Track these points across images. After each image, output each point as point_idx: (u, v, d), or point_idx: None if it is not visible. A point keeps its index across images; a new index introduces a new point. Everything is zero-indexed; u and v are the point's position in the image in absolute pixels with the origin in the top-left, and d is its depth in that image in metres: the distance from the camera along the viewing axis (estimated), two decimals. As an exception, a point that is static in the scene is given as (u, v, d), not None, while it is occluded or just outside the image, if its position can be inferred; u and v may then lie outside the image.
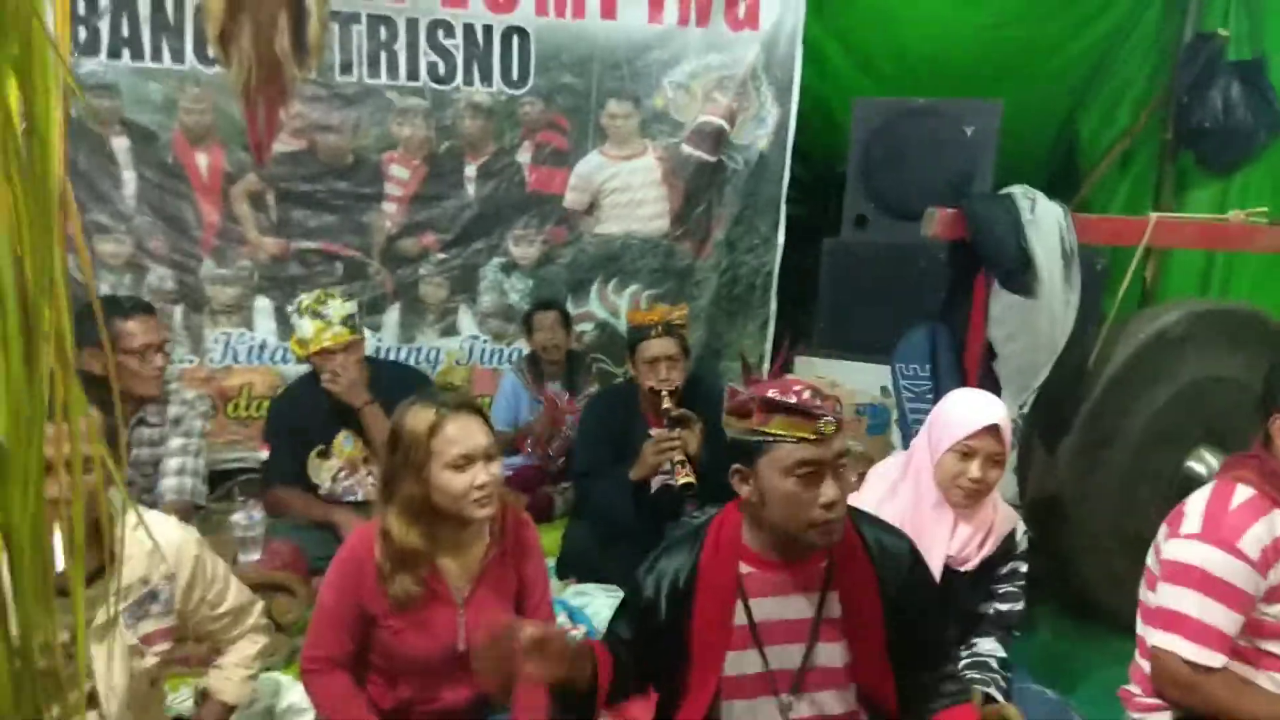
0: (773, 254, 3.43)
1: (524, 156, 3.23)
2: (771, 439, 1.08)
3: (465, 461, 1.34)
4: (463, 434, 1.35)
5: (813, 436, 1.06)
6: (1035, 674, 1.80)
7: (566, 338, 3.03)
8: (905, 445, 2.08)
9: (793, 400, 1.07)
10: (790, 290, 3.45)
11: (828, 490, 1.08)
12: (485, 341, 3.30)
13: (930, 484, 1.52)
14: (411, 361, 3.18)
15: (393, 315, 3.22)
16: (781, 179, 3.37)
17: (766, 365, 3.36)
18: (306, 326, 2.22)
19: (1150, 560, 1.47)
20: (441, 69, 2.98)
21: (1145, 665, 1.41)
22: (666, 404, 2.21)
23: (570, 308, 3.26)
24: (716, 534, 1.17)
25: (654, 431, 2.24)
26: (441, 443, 1.35)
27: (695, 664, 1.12)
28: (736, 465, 1.13)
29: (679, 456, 2.09)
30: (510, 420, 2.97)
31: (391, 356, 3.17)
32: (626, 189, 3.33)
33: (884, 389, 2.97)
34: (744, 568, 1.14)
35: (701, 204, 3.39)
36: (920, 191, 2.73)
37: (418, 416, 1.36)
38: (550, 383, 3.02)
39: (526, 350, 3.14)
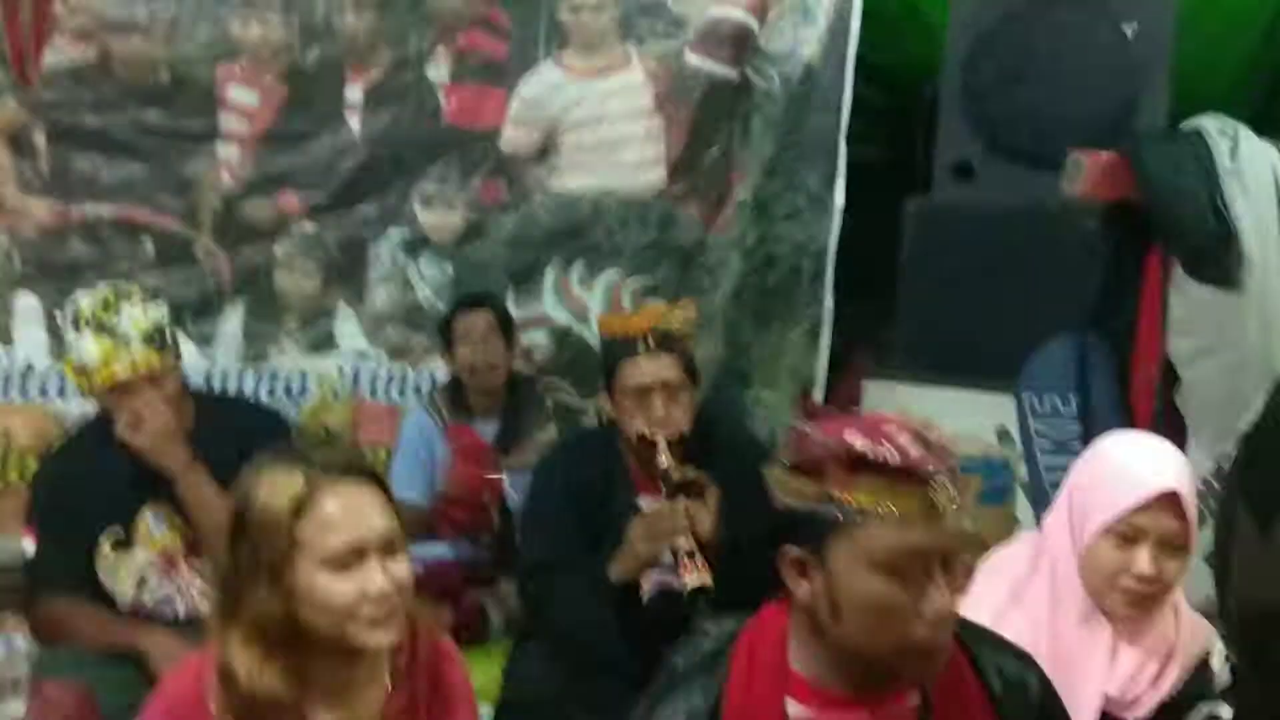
0: (826, 222, 3.47)
1: (438, 71, 3.23)
2: (856, 513, 1.12)
3: (352, 557, 1.36)
4: (346, 514, 1.37)
5: (920, 513, 1.11)
6: None
7: (506, 354, 3.05)
8: (1036, 522, 2.10)
9: (893, 454, 1.11)
10: (854, 278, 3.48)
11: (936, 596, 1.11)
12: (379, 361, 3.31)
13: (1075, 584, 1.53)
14: (262, 395, 3.20)
15: (232, 321, 3.21)
16: (839, 107, 3.38)
17: (820, 394, 3.42)
18: (89, 347, 2.15)
19: None
20: (308, -68, 3.08)
21: None
22: (665, 460, 2.23)
23: (512, 307, 3.27)
24: (748, 659, 1.21)
25: (645, 503, 2.27)
26: (313, 528, 1.36)
27: None
28: (794, 549, 1.17)
29: (686, 544, 2.11)
30: (422, 486, 2.98)
31: (230, 387, 3.18)
32: (599, 121, 3.34)
33: (1002, 433, 2.95)
34: (793, 707, 1.17)
35: (716, 144, 3.41)
36: (1055, 126, 2.76)
37: (274, 487, 1.37)
38: (482, 424, 3.03)
39: (444, 374, 3.17)
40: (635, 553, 2.18)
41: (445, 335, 3.07)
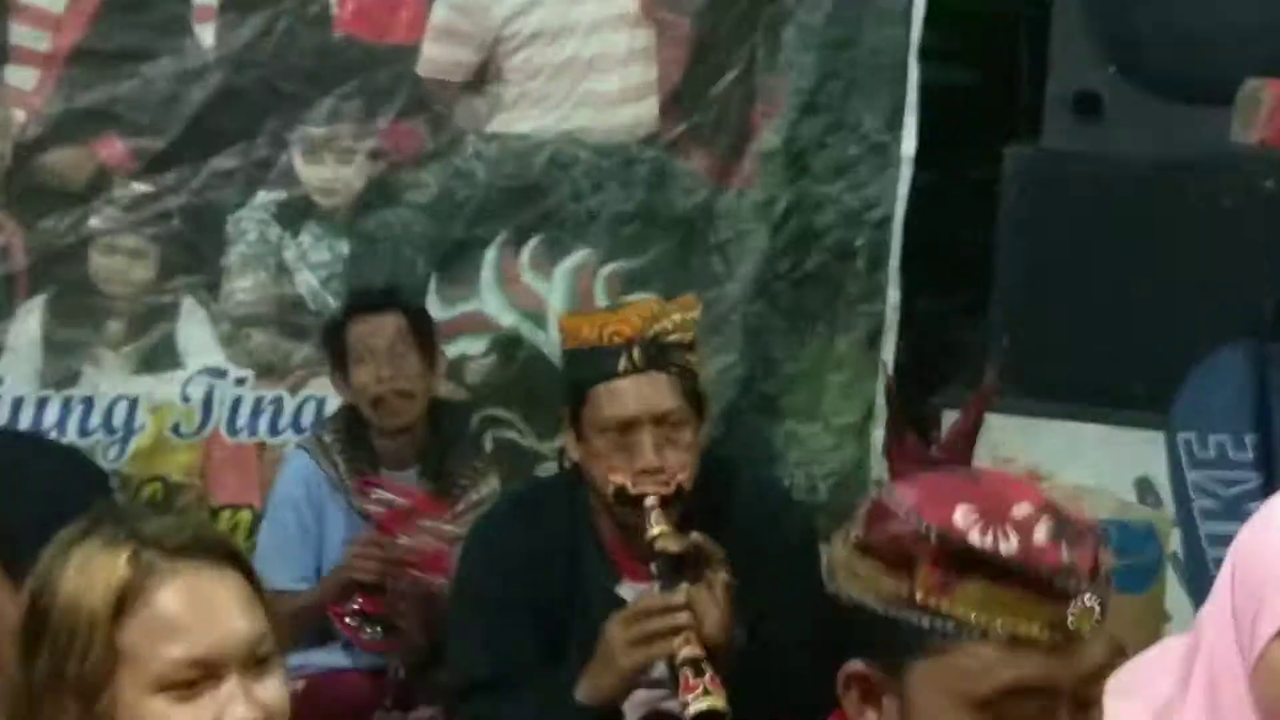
0: (891, 180, 3.52)
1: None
2: (955, 628, 1.15)
3: (199, 676, 1.36)
4: (191, 612, 1.38)
5: (1047, 638, 1.13)
6: None
7: (425, 375, 3.08)
8: (1195, 608, 2.04)
9: (1025, 555, 1.13)
10: (930, 260, 3.49)
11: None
12: (241, 382, 3.33)
13: (1245, 711, 1.51)
14: (70, 434, 3.17)
15: (27, 325, 3.22)
16: (908, 14, 3.45)
17: (878, 435, 3.42)
18: None
19: None
20: None
21: None
22: (657, 527, 2.26)
23: (434, 305, 3.30)
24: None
25: (629, 591, 2.31)
26: (142, 633, 1.36)
27: None
28: (858, 664, 1.19)
29: (689, 650, 2.13)
30: (305, 566, 3.02)
31: (22, 421, 3.15)
32: (562, 34, 3.38)
33: (1145, 486, 2.95)
34: None
35: (731, 67, 3.45)
36: (1219, 43, 2.82)
37: (87, 573, 1.38)
38: (391, 473, 3.07)
39: (337, 402, 3.19)
40: (616, 665, 2.19)
41: (336, 347, 3.08)
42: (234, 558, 1.44)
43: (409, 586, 2.94)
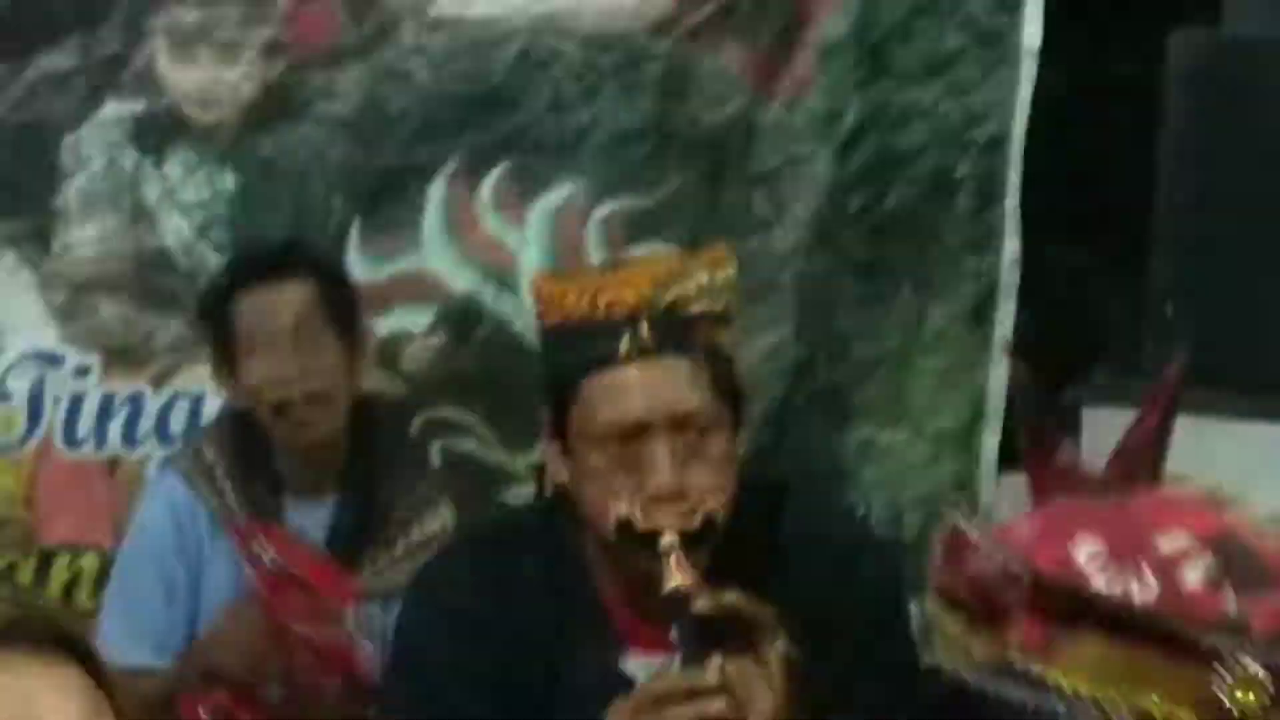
0: (1008, 84, 3.53)
1: None
2: (1061, 707, 1.16)
3: None
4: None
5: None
6: None
7: (346, 360, 3.08)
8: None
9: (1159, 604, 1.13)
10: (1063, 200, 3.52)
11: None
12: (83, 371, 3.40)
13: None
14: None
15: None
16: None
17: (989, 443, 3.52)
18: None
19: None
20: None
21: None
22: (678, 576, 2.22)
23: (357, 263, 3.41)
24: None
25: (640, 666, 2.31)
26: None
27: None
28: None
29: None
30: (170, 633, 3.02)
31: None
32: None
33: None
34: None
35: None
36: None
37: None
38: (300, 509, 3.08)
39: (220, 403, 3.24)
40: None
41: (219, 329, 3.06)
42: (67, 643, 1.44)
43: (326, 672, 2.95)
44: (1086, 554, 1.17)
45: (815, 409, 3.53)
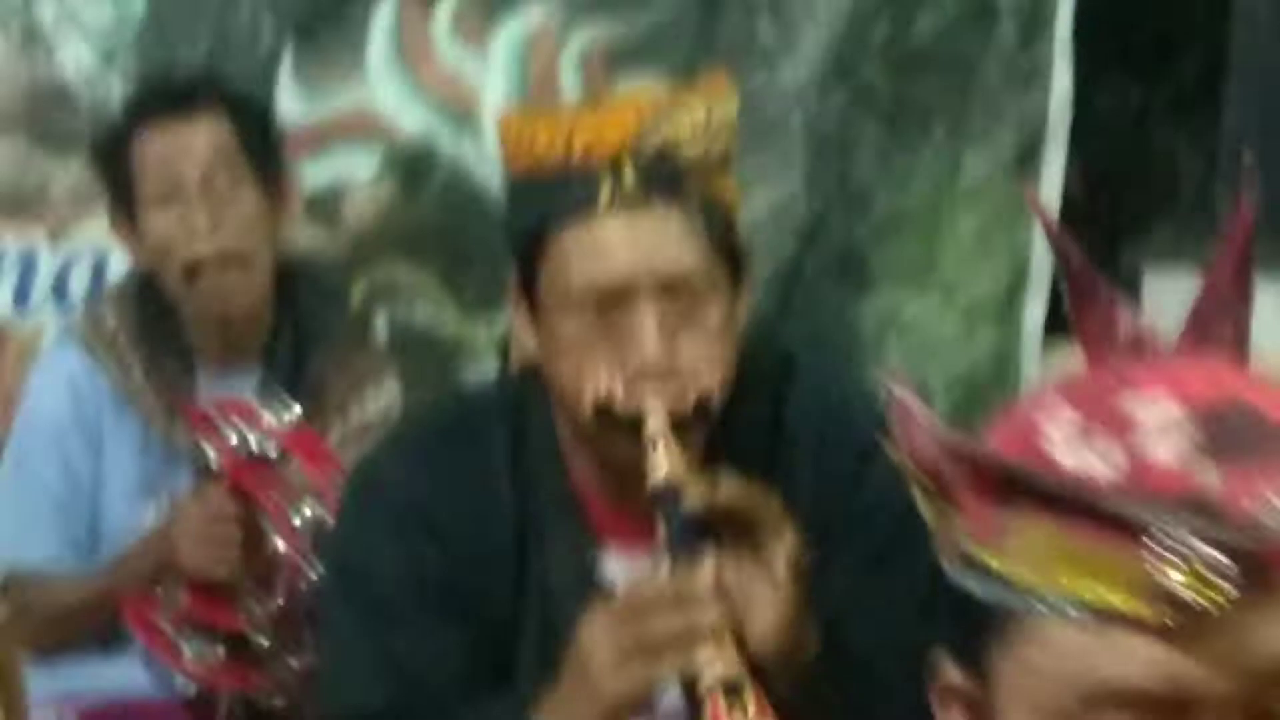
0: None
1: None
2: (1014, 599, 1.15)
3: None
4: None
5: (1154, 616, 1.10)
6: None
7: (269, 213, 3.06)
8: None
9: (1119, 482, 1.12)
10: (1119, 21, 3.63)
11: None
12: None
13: None
14: None
15: None
16: None
17: (1033, 313, 3.58)
18: None
19: None
20: None
21: None
22: (666, 464, 2.22)
23: (288, 96, 3.51)
24: None
25: (620, 567, 2.35)
26: None
27: None
28: (949, 667, 1.21)
29: (719, 665, 2.08)
30: (69, 531, 3.07)
31: None
32: None
33: None
34: None
35: None
36: None
37: None
38: (210, 384, 3.07)
39: (126, 266, 3.26)
40: (598, 689, 2.16)
41: (118, 174, 3.02)
42: None
43: (291, 593, 2.91)
44: (1057, 426, 1.10)
45: (829, 273, 3.60)
